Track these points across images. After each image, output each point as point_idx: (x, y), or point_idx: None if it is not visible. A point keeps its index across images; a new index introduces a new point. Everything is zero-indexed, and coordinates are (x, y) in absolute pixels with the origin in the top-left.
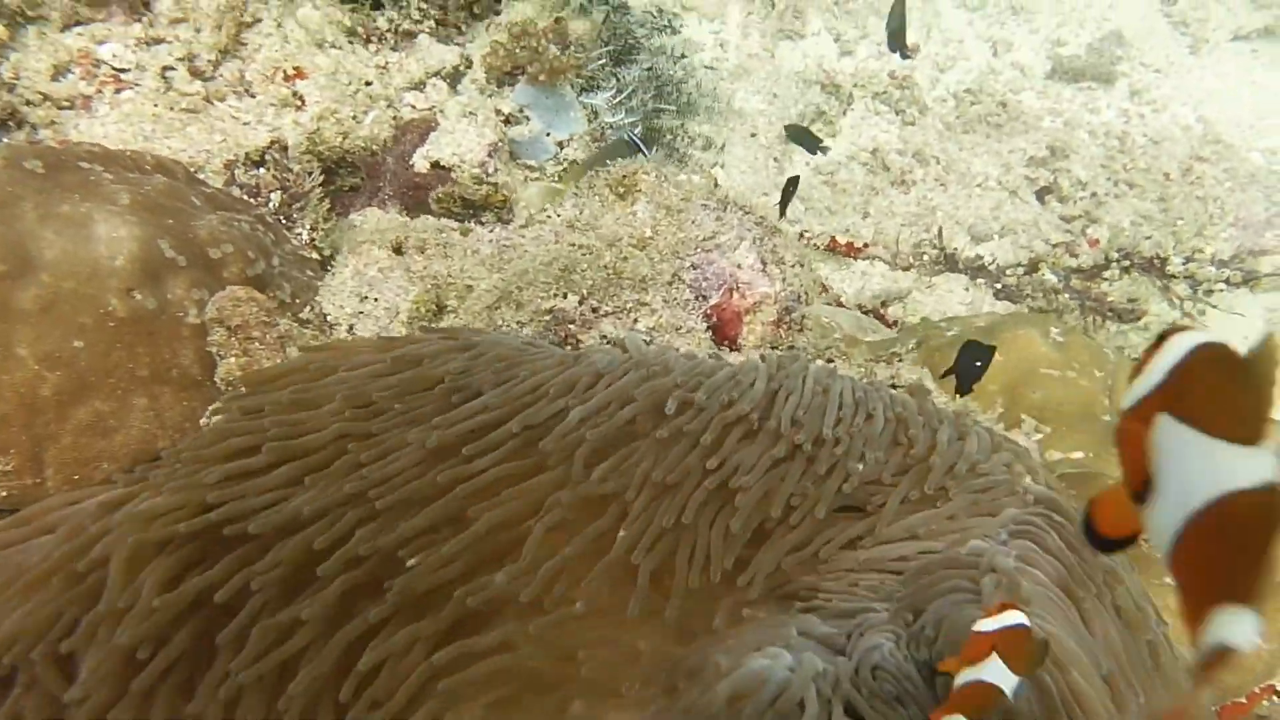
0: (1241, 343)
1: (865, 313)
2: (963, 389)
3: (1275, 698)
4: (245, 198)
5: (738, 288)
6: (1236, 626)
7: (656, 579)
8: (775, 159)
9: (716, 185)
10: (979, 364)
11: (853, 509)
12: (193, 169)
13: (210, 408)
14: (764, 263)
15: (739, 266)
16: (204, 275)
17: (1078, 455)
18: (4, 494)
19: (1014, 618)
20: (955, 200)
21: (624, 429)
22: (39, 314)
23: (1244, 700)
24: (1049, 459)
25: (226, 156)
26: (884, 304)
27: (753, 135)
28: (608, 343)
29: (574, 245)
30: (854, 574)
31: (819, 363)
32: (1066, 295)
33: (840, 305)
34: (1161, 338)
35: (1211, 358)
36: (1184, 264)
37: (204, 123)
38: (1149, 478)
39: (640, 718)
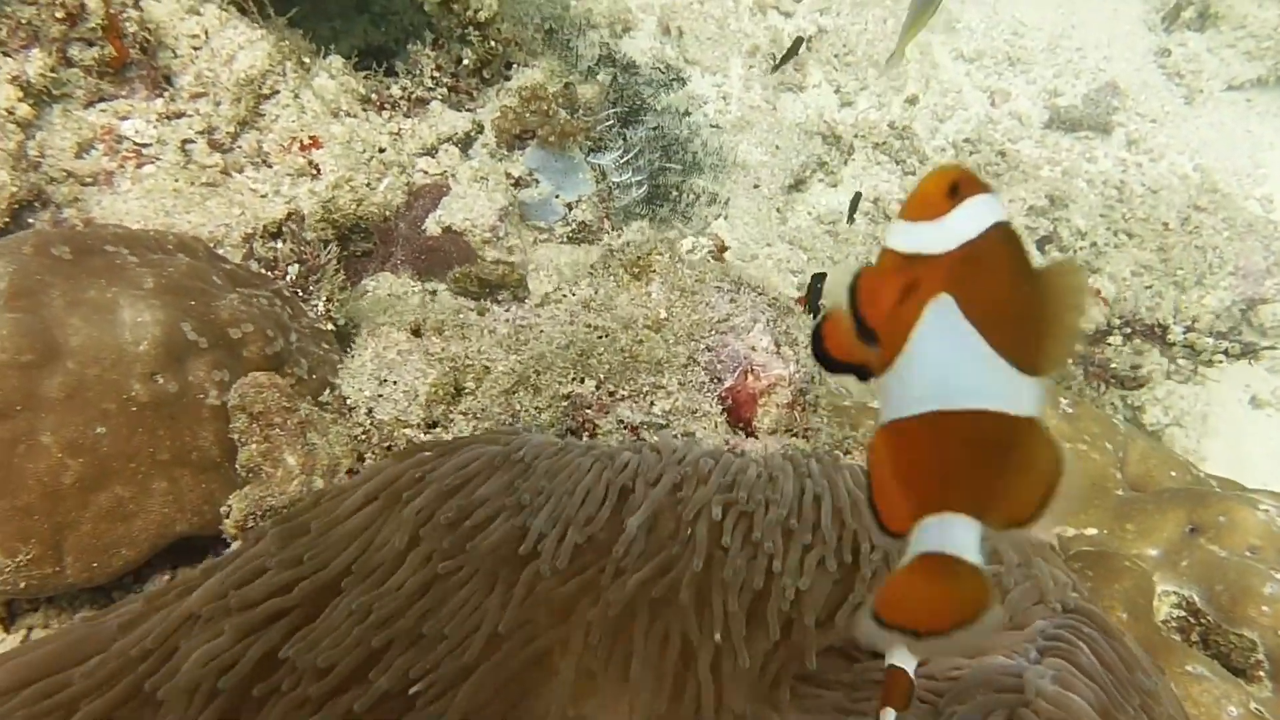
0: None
1: None
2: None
3: None
4: (263, 271)
5: (752, 370)
6: (960, 533)
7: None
8: (778, 209)
9: (723, 250)
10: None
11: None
12: (212, 244)
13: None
14: (778, 344)
15: (753, 349)
16: (225, 356)
17: (1091, 532)
18: (23, 585)
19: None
20: None
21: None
22: (64, 401)
23: None
24: (1063, 535)
25: (245, 230)
26: None
27: (755, 186)
28: (639, 440)
29: (590, 327)
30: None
31: (840, 458)
32: (1070, 361)
33: None
34: (954, 187)
35: (1008, 245)
36: (1184, 333)
37: (223, 196)
38: (896, 333)
39: None
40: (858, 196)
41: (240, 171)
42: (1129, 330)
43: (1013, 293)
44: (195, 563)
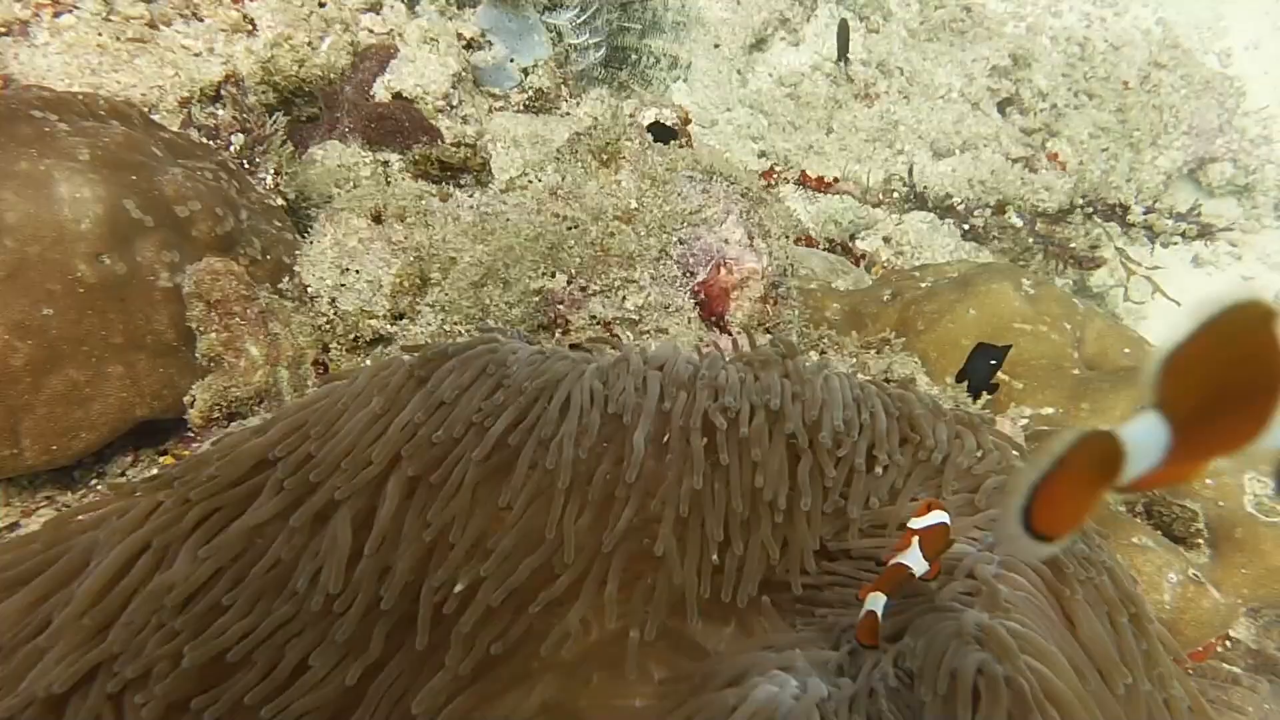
0: None
1: (833, 246)
2: (976, 393)
3: (1228, 643)
4: (205, 141)
5: (725, 263)
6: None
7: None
8: (738, 71)
9: (688, 122)
10: (993, 363)
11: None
12: (147, 109)
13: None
14: (751, 237)
15: (726, 241)
16: (173, 235)
17: (1048, 412)
18: None
19: (936, 517)
20: (918, 114)
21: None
22: (5, 280)
23: (1200, 650)
24: (1020, 417)
25: (180, 93)
26: (852, 237)
27: (716, 46)
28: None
29: (559, 217)
30: (848, 587)
31: (813, 357)
32: (1031, 240)
33: (810, 243)
34: None
35: None
36: (1144, 214)
37: (153, 54)
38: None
39: None
40: (845, 27)
41: (169, 25)
42: (1090, 210)
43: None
44: (158, 444)
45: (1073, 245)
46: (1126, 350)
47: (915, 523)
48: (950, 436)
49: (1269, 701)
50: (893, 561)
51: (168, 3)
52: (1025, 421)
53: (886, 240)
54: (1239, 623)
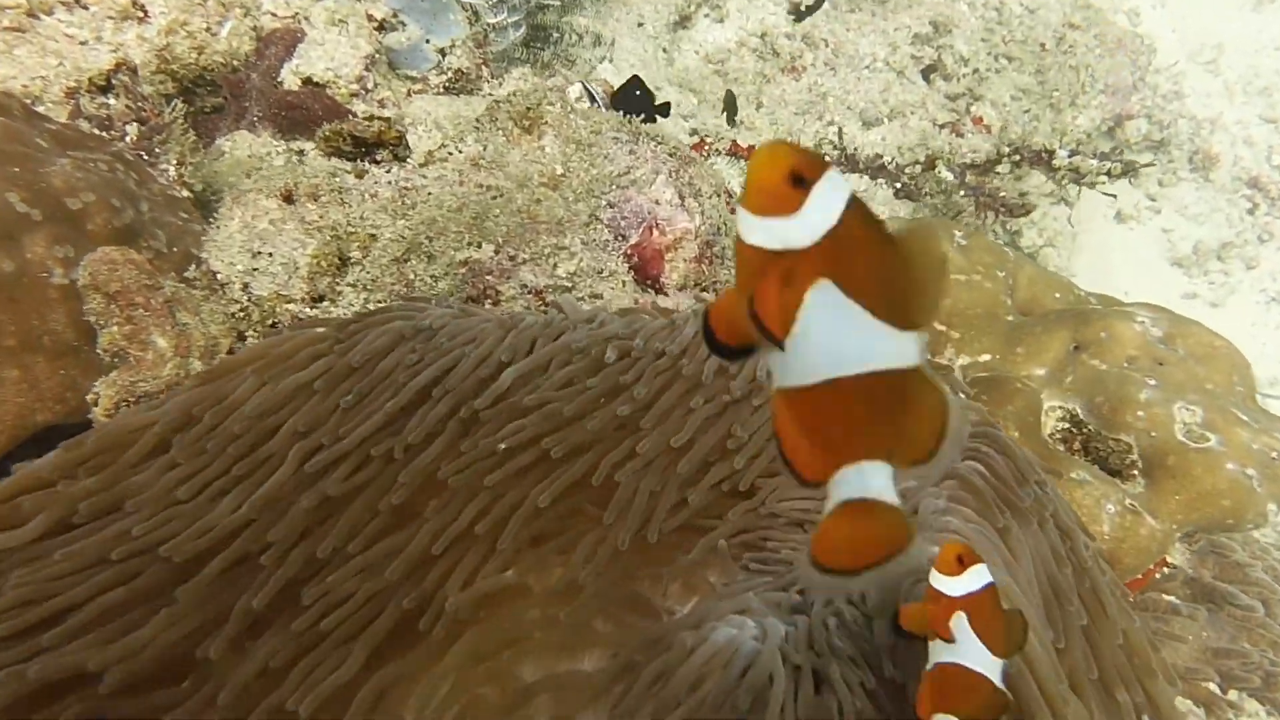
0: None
1: None
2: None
3: (1166, 569)
4: (97, 132)
5: (657, 225)
6: (875, 478)
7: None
8: (664, 49)
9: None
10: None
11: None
12: (29, 101)
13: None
14: (681, 196)
15: (657, 202)
16: (66, 229)
17: (985, 358)
18: None
19: (979, 578)
20: (845, 85)
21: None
22: None
23: (1141, 576)
24: (960, 364)
25: (66, 83)
26: None
27: (640, 25)
28: (542, 307)
29: (482, 187)
30: (797, 525)
31: None
32: (962, 192)
33: None
34: (795, 174)
35: (865, 223)
36: (1069, 157)
37: (33, 44)
38: (785, 319)
39: (607, 709)
40: None
41: (50, 14)
42: (1017, 158)
43: (881, 264)
44: None
45: (1003, 194)
46: (1057, 295)
47: (945, 584)
48: None
49: (1207, 629)
50: (947, 663)
51: None
52: (963, 364)
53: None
54: (1174, 549)
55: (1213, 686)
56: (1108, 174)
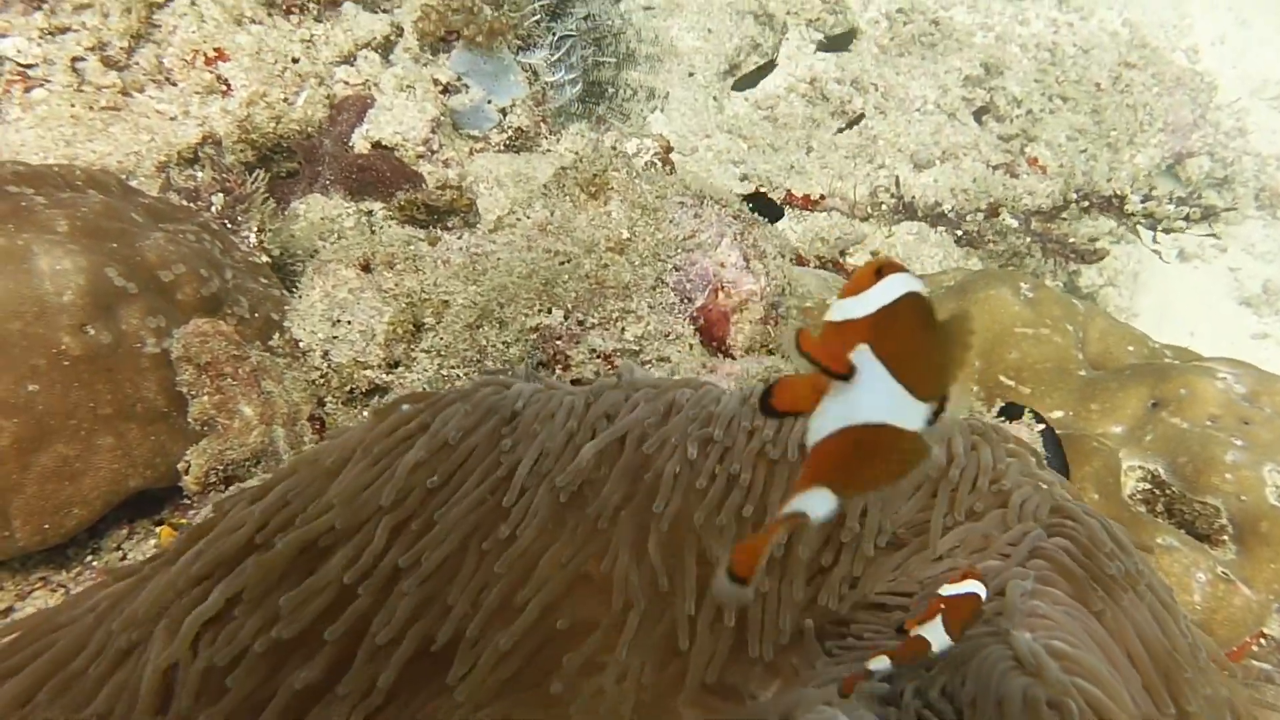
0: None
1: (824, 263)
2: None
3: (1263, 641)
4: (185, 204)
5: (723, 287)
6: (818, 501)
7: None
8: (714, 98)
9: (669, 151)
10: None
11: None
12: (124, 176)
13: (218, 500)
14: (746, 259)
15: (722, 265)
16: (158, 300)
17: (1058, 415)
18: None
19: (969, 586)
20: (896, 127)
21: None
22: None
23: (1236, 649)
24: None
25: (158, 158)
26: (842, 253)
27: (690, 75)
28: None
29: (550, 253)
30: (886, 610)
31: None
32: (1029, 239)
33: (801, 262)
34: (879, 270)
35: (915, 307)
36: (1142, 202)
37: (127, 121)
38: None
39: None
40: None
41: (141, 91)
42: (1086, 204)
43: (916, 340)
44: (153, 514)
45: (1072, 241)
46: (1130, 348)
47: (947, 589)
48: (967, 449)
49: None
50: (914, 633)
51: (140, 69)
52: (1042, 428)
53: (875, 254)
54: (1272, 619)
55: None
56: (1186, 218)
